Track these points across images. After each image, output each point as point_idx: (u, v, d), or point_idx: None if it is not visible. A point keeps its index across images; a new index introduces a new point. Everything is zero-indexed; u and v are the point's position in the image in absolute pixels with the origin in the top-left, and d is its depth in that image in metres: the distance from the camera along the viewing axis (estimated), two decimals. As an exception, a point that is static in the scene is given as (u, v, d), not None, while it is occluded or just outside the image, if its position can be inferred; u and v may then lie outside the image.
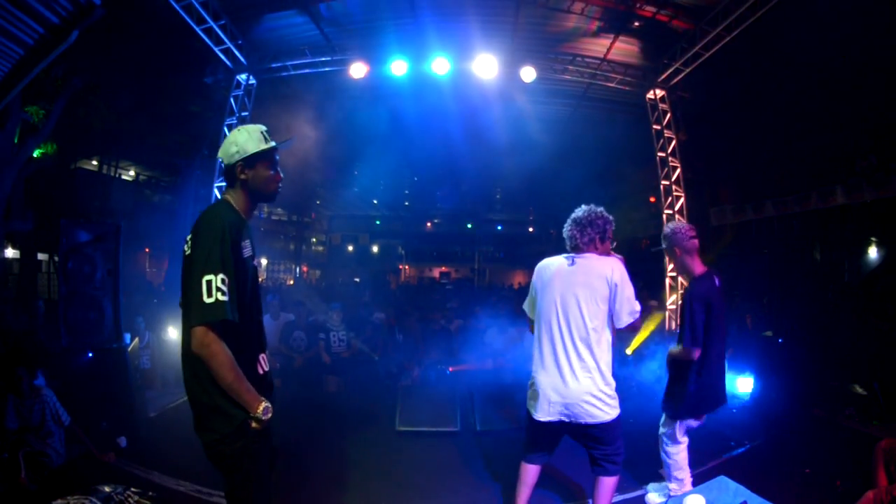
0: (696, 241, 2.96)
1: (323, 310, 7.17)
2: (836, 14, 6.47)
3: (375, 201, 24.81)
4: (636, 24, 7.38)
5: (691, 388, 2.87)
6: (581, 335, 2.42)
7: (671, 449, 3.00)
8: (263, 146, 1.88)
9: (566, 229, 2.63)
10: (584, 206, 2.66)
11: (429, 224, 29.30)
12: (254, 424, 1.75)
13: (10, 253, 10.59)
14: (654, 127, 8.28)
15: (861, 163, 8.58)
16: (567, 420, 2.46)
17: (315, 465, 3.75)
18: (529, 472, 2.69)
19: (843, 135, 8.49)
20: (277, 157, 1.96)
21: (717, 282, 2.93)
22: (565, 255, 2.61)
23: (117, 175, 13.52)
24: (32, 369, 3.53)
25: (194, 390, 1.78)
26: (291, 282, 22.54)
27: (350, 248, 28.95)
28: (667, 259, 8.15)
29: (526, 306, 2.72)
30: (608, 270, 2.44)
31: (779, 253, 10.34)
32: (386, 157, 13.49)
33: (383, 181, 20.01)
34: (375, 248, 29.35)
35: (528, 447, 2.70)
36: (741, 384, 5.70)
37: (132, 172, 14.12)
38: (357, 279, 22.13)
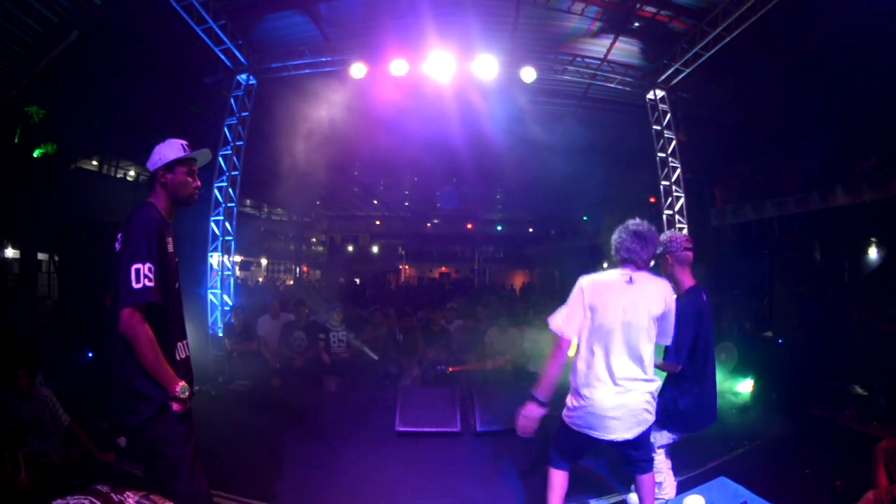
0: (689, 254, 2.95)
1: (324, 310, 7.18)
2: (837, 14, 6.47)
3: (375, 201, 24.78)
4: (636, 24, 7.38)
5: (684, 402, 2.82)
6: (641, 352, 2.46)
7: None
8: (182, 155, 2.14)
9: (624, 240, 2.55)
10: (639, 220, 2.61)
11: (429, 224, 29.27)
12: (175, 406, 1.94)
13: (10, 253, 10.59)
14: (654, 127, 8.28)
15: (861, 163, 8.57)
16: (621, 438, 2.47)
17: (315, 466, 3.75)
18: (563, 479, 2.67)
19: (843, 135, 8.48)
20: (195, 167, 2.21)
21: (704, 297, 2.91)
22: (620, 270, 2.55)
23: (117, 175, 13.49)
24: (32, 369, 3.53)
25: (118, 375, 1.95)
26: (291, 282, 22.54)
27: (350, 248, 28.95)
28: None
29: (563, 322, 2.54)
30: (666, 292, 2.55)
31: (779, 253, 10.33)
32: (386, 157, 13.48)
33: (383, 181, 19.98)
34: (375, 249, 29.36)
35: (562, 455, 2.67)
36: (741, 384, 5.71)
37: (132, 172, 14.10)
38: (357, 280, 22.14)
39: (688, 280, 2.96)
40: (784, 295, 9.64)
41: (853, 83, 7.55)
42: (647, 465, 2.63)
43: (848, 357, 5.39)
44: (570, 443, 2.63)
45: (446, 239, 29.21)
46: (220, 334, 7.39)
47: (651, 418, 2.52)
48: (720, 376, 5.81)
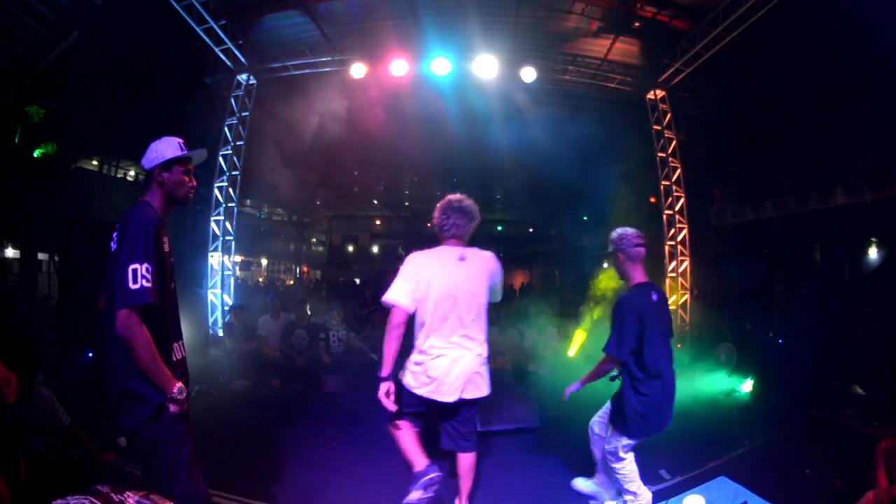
0: (641, 250, 2.91)
1: (323, 309, 7.17)
2: (836, 14, 6.47)
3: (375, 201, 24.78)
4: (636, 24, 7.38)
5: (636, 405, 2.77)
6: (474, 321, 2.70)
7: (617, 465, 2.92)
8: (179, 153, 2.11)
9: (450, 216, 2.74)
10: (460, 196, 2.79)
11: (429, 225, 29.20)
12: (172, 408, 1.93)
13: (10, 253, 10.58)
14: (655, 127, 8.29)
15: (861, 163, 8.57)
16: (459, 399, 2.67)
17: (315, 466, 3.74)
18: (409, 429, 2.81)
19: (843, 135, 8.48)
20: (191, 166, 2.19)
21: (654, 296, 2.86)
22: (450, 248, 2.75)
23: (117, 175, 13.48)
24: (32, 369, 3.53)
25: (114, 377, 1.94)
26: (291, 282, 22.54)
27: (350, 248, 28.94)
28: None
29: (401, 296, 2.70)
30: (493, 266, 2.80)
31: (779, 253, 10.32)
32: (386, 157, 13.48)
33: (383, 181, 19.97)
34: (375, 249, 29.32)
35: (402, 412, 2.79)
36: (741, 384, 5.72)
37: (132, 173, 14.09)
38: (357, 280, 22.12)
39: (638, 276, 2.92)
40: (784, 295, 9.64)
41: (853, 83, 7.55)
42: (469, 444, 2.80)
43: (848, 357, 5.38)
44: (408, 404, 2.79)
45: (446, 239, 29.17)
46: (221, 334, 7.39)
47: (484, 385, 2.73)
48: (721, 376, 5.84)
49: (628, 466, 2.89)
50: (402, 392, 2.79)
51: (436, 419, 2.88)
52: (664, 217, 8.24)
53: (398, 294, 2.69)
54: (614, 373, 2.91)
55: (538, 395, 4.85)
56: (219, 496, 3.06)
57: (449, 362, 2.67)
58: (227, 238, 7.92)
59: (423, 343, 2.72)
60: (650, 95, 8.32)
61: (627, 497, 2.94)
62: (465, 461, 2.83)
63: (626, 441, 2.84)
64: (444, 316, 2.67)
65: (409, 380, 2.77)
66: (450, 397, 2.67)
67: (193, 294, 7.93)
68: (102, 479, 1.96)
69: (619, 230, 2.97)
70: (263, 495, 3.24)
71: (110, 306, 1.89)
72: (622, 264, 2.94)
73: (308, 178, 11.91)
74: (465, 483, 2.85)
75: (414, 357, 2.77)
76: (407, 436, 2.80)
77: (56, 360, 4.60)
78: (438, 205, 2.82)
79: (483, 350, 2.75)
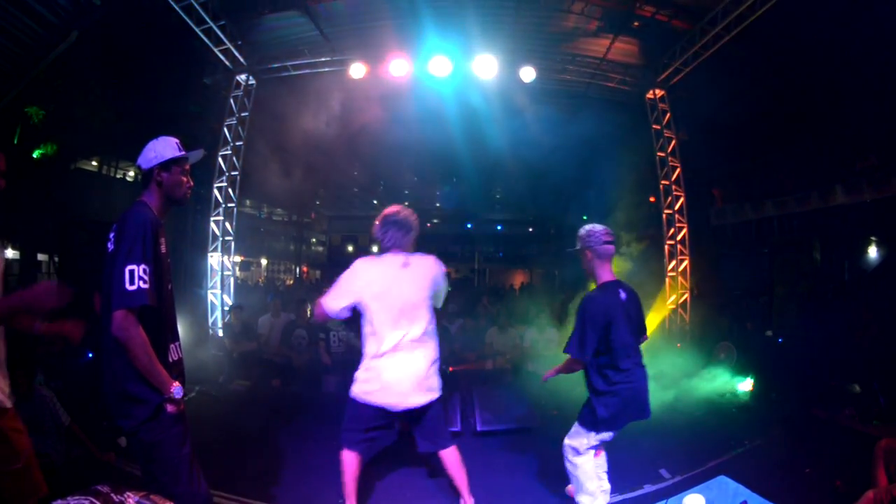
0: (610, 248, 2.81)
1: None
2: (836, 13, 6.47)
3: (375, 202, 24.80)
4: (636, 23, 7.38)
5: (606, 402, 2.73)
6: (422, 324, 2.72)
7: (577, 459, 2.86)
8: (177, 154, 2.11)
9: (387, 231, 2.80)
10: (397, 208, 2.86)
11: (428, 224, 29.22)
12: (169, 408, 1.92)
13: (10, 253, 10.59)
14: (654, 127, 8.28)
15: (861, 163, 8.58)
16: (413, 407, 2.69)
17: (314, 466, 3.75)
18: (355, 460, 2.85)
19: (843, 134, 8.48)
20: (188, 166, 2.19)
21: (622, 295, 2.79)
22: (392, 255, 2.79)
23: (117, 175, 13.49)
24: (31, 370, 3.53)
25: (110, 378, 1.92)
26: (291, 282, 22.53)
27: (350, 248, 28.94)
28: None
29: (333, 302, 2.73)
30: (436, 270, 2.85)
31: (779, 253, 10.33)
32: (385, 157, 13.49)
33: (383, 181, 19.99)
34: (375, 249, 29.29)
35: (354, 434, 2.82)
36: (741, 384, 5.72)
37: (132, 173, 14.09)
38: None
39: (606, 275, 2.83)
40: (784, 295, 9.64)
41: (853, 83, 7.56)
42: (445, 440, 2.84)
43: (848, 357, 5.38)
44: (361, 420, 2.78)
45: (446, 239, 29.15)
46: (220, 334, 7.40)
47: (435, 387, 2.75)
48: (721, 376, 5.84)
49: (588, 464, 2.84)
50: (355, 408, 2.79)
51: (404, 427, 2.89)
52: (664, 216, 8.23)
53: (331, 300, 2.73)
54: None
55: (538, 395, 4.85)
56: (219, 496, 3.06)
57: (399, 366, 2.67)
58: (227, 238, 7.92)
59: (372, 350, 2.72)
60: (649, 95, 8.32)
61: (583, 498, 2.84)
62: (449, 457, 2.82)
63: (594, 438, 2.79)
64: (390, 322, 2.68)
65: (361, 389, 2.74)
66: (404, 402, 2.68)
67: (193, 294, 7.94)
68: (102, 479, 1.96)
69: (588, 227, 2.86)
70: (263, 496, 3.25)
71: (107, 307, 1.87)
72: (590, 262, 2.83)
73: (308, 177, 11.91)
74: (459, 477, 2.83)
75: (364, 364, 2.75)
76: (351, 468, 2.83)
77: (56, 360, 4.60)
78: (377, 219, 2.87)
79: (432, 353, 2.76)
